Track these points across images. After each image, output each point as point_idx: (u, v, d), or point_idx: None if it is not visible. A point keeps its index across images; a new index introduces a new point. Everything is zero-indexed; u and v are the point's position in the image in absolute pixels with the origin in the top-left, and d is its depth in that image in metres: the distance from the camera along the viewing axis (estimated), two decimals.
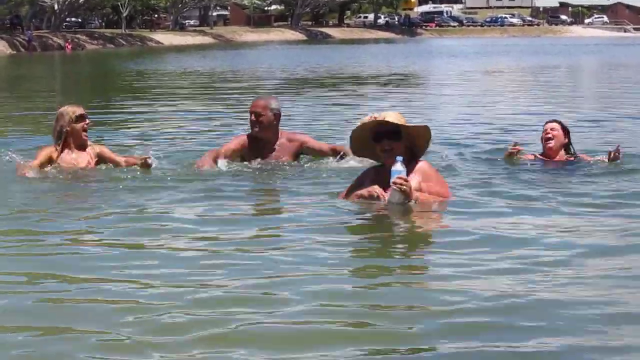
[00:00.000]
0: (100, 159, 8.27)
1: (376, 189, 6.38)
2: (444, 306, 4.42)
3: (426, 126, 6.61)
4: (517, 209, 6.71)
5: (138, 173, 8.07)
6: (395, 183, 6.18)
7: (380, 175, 6.48)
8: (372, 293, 4.72)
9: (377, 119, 6.43)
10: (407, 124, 6.49)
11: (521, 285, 4.77)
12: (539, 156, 8.92)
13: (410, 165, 6.37)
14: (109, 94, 22.05)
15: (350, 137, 6.66)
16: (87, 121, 8.18)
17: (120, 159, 8.39)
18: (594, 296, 4.59)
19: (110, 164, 8.35)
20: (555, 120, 9.05)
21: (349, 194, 6.68)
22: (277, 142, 8.71)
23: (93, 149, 8.28)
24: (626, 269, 5.14)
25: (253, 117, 8.56)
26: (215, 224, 6.30)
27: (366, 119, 6.50)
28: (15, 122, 14.72)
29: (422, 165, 6.50)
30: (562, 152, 8.85)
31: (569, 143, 8.90)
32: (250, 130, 8.73)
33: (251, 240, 5.83)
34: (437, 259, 5.41)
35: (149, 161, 8.07)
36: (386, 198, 6.33)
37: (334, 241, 5.72)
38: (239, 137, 9.01)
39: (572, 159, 8.83)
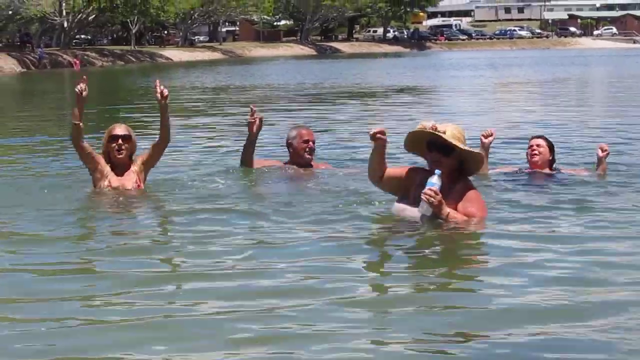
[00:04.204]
0: (145, 168, 8.11)
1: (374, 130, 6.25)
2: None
3: (480, 154, 6.51)
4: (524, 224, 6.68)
5: (167, 195, 8.06)
6: (425, 194, 6.16)
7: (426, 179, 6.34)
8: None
9: (438, 129, 6.30)
10: (461, 146, 6.33)
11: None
12: (524, 170, 8.86)
13: (455, 183, 6.34)
14: (120, 108, 22.06)
15: (408, 134, 6.52)
16: (120, 141, 7.91)
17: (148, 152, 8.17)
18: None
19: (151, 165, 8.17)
20: (541, 137, 9.00)
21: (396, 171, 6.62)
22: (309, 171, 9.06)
23: (135, 163, 8.06)
24: None
25: (311, 144, 9.03)
26: (243, 232, 6.41)
27: (428, 124, 6.34)
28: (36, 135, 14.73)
29: (465, 186, 6.43)
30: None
31: (554, 160, 8.85)
32: (285, 159, 9.21)
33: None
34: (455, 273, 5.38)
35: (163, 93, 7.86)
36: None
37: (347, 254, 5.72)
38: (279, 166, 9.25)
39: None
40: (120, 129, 8.01)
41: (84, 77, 7.80)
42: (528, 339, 4.17)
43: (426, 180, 6.27)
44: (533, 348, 4.06)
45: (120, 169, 8.02)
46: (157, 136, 8.10)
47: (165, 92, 7.84)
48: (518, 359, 3.99)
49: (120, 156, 7.96)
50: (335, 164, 9.79)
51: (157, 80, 7.91)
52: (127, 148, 7.97)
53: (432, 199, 6.14)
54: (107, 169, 7.97)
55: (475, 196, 6.47)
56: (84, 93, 7.71)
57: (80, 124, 7.75)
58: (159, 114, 8.00)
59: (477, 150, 6.66)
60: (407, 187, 6.49)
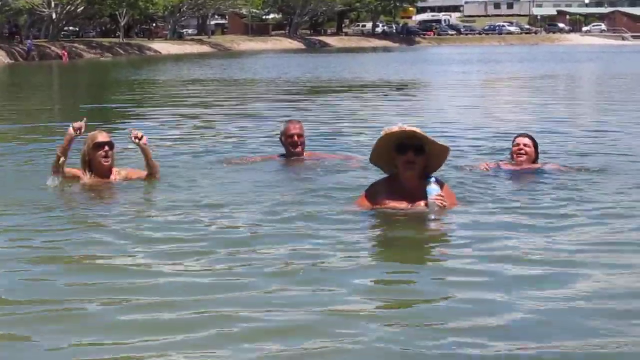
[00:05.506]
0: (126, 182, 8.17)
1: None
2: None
3: (448, 147, 6.65)
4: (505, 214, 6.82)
5: (153, 186, 8.10)
6: (438, 199, 6.43)
7: (393, 187, 6.59)
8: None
9: (407, 130, 6.44)
10: (435, 141, 6.53)
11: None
12: (502, 165, 8.85)
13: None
14: (107, 101, 22.00)
15: (376, 142, 6.60)
16: (106, 148, 7.94)
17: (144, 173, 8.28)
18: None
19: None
20: (527, 135, 9.02)
21: (364, 203, 6.73)
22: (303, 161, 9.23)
23: (119, 174, 8.13)
24: None
25: (295, 139, 9.14)
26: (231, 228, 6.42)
27: (395, 128, 6.49)
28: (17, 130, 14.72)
29: (438, 183, 6.63)
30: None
31: (537, 156, 8.89)
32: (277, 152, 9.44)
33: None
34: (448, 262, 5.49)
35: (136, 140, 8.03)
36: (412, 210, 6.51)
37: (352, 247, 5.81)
38: (270, 158, 9.47)
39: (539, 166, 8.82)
40: (103, 136, 8.05)
41: (85, 118, 7.93)
42: (513, 329, 4.27)
43: (391, 186, 6.57)
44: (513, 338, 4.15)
45: (103, 176, 8.04)
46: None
47: (140, 133, 7.98)
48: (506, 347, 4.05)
49: (107, 163, 8.00)
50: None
51: (131, 128, 8.12)
52: (112, 154, 8.04)
53: (444, 202, 6.43)
54: (87, 177, 7.98)
55: (446, 187, 6.71)
56: (79, 132, 7.82)
57: (63, 158, 7.90)
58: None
59: (446, 145, 6.73)
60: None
